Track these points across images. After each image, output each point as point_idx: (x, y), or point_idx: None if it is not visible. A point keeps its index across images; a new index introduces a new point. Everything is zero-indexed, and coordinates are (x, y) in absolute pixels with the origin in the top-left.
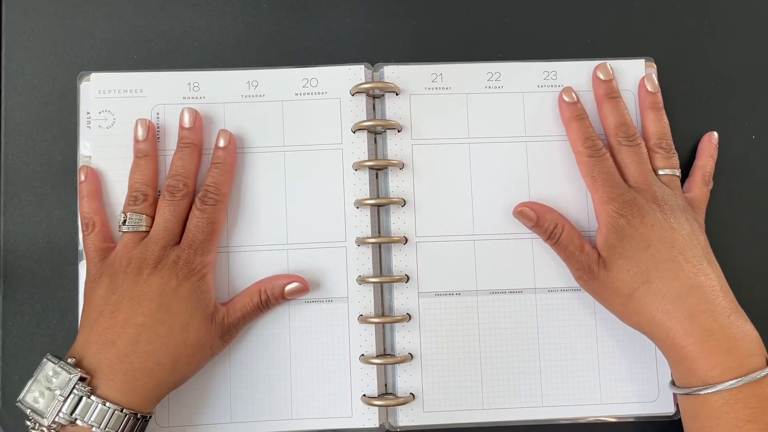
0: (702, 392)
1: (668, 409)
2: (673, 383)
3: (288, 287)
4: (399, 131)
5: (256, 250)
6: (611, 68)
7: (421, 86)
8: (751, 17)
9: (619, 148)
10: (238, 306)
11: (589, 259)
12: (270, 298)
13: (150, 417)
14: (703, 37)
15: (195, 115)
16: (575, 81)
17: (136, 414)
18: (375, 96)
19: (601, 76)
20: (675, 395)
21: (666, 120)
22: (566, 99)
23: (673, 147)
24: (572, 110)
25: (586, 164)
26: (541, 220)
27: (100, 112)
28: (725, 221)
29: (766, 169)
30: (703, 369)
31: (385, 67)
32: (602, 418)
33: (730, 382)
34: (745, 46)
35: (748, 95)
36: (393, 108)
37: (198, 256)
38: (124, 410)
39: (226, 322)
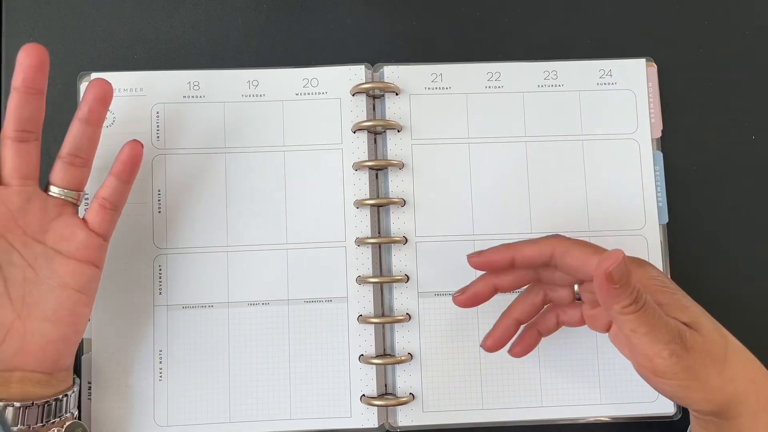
0: None
1: (668, 409)
2: None
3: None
4: (399, 131)
5: (256, 250)
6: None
7: (421, 86)
8: (751, 17)
9: None
10: None
11: (677, 322)
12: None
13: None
14: (703, 37)
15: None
16: (575, 81)
17: None
18: (375, 96)
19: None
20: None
21: None
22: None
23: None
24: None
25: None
26: (630, 280)
27: None
28: (725, 221)
29: (766, 169)
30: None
31: (385, 67)
32: (602, 419)
33: None
34: (745, 46)
35: (748, 95)
36: (393, 108)
37: None
38: None
39: None
